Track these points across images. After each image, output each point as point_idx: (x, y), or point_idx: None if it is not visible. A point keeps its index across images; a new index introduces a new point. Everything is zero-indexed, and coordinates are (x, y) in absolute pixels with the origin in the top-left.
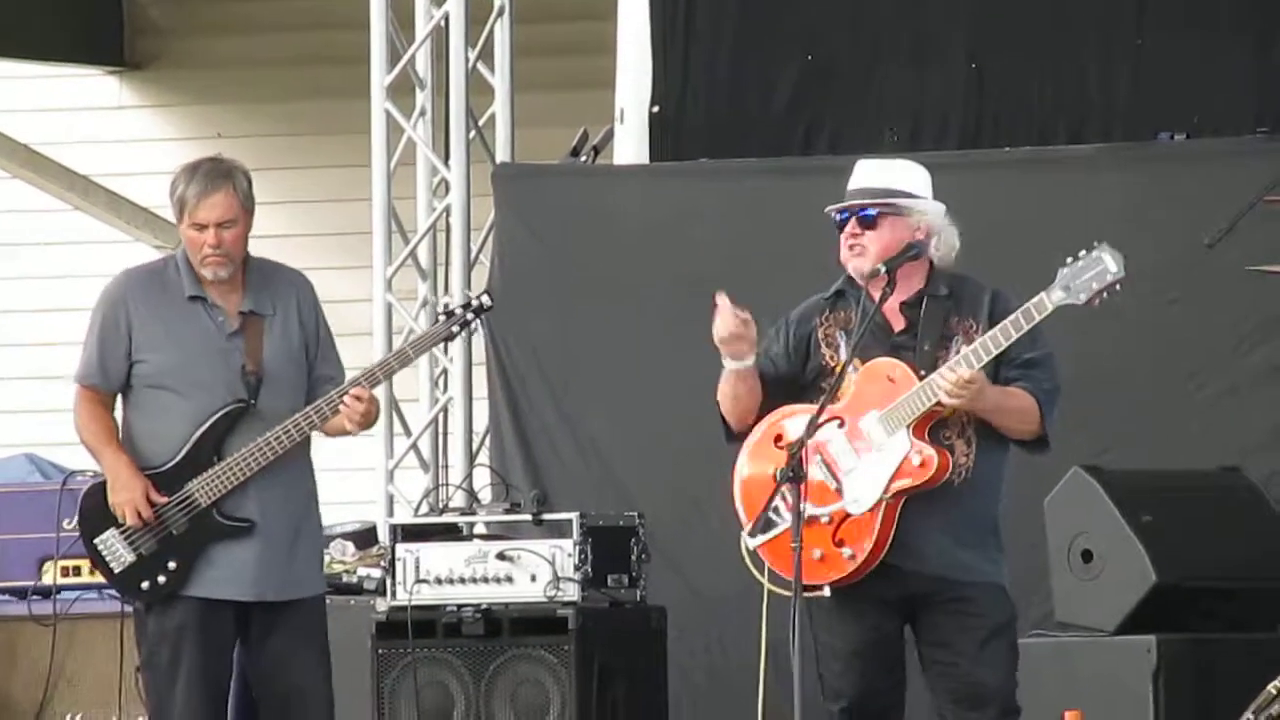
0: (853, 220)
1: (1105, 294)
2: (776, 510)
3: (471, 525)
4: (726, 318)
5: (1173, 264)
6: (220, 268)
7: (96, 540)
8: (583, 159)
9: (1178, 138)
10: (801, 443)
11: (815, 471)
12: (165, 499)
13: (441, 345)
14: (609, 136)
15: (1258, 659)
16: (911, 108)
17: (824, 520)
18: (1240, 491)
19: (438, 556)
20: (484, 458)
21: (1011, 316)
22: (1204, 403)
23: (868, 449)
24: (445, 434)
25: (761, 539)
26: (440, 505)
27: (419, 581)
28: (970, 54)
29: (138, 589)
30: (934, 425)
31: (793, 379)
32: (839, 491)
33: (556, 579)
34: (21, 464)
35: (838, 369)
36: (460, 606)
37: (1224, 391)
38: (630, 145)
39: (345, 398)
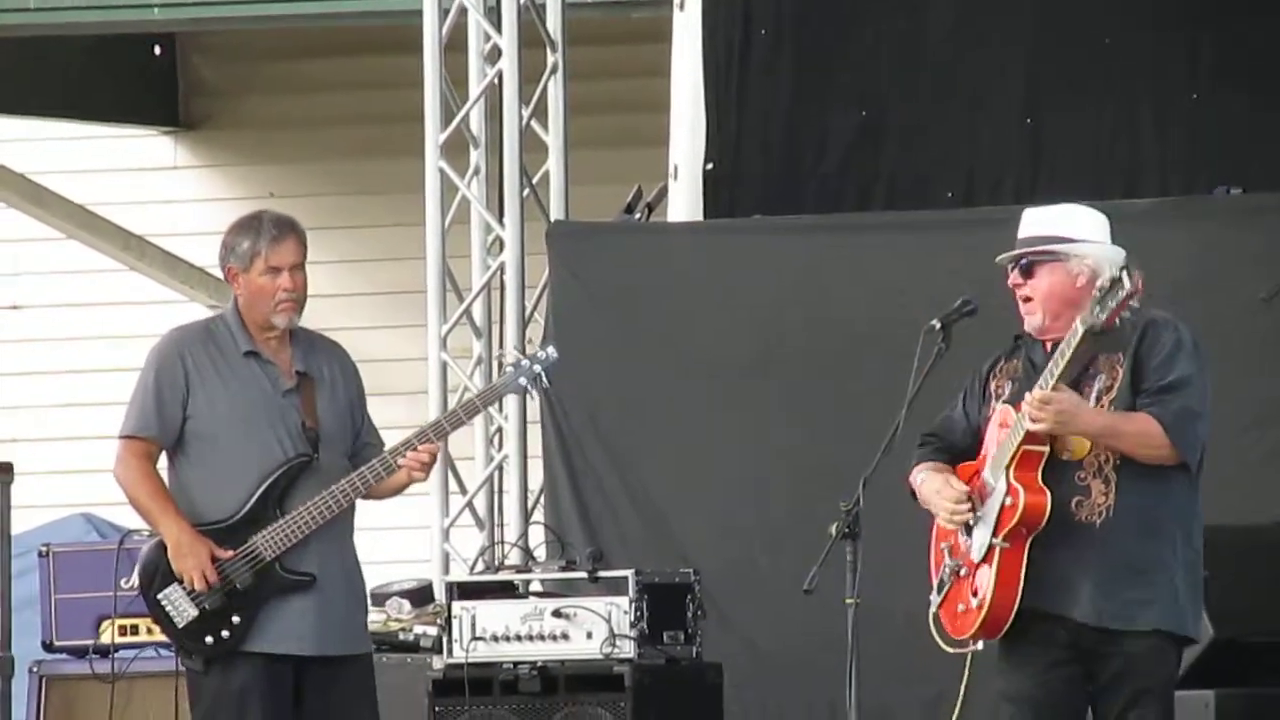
0: (1015, 270)
1: (1123, 310)
2: (944, 572)
3: (527, 583)
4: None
5: (1229, 319)
6: (293, 312)
7: (159, 596)
8: (637, 216)
9: (1234, 192)
10: (857, 500)
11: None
12: (229, 554)
13: (497, 403)
14: (663, 194)
15: None
16: (966, 162)
17: (963, 573)
18: None
19: (494, 614)
20: (539, 515)
21: (1059, 346)
22: (1262, 456)
23: (987, 497)
24: (500, 492)
25: (935, 601)
26: (496, 563)
27: (475, 639)
28: (1025, 109)
29: (201, 644)
30: (1070, 467)
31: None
32: (968, 542)
33: (613, 636)
34: (78, 524)
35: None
36: (516, 664)
37: (1279, 446)
38: (684, 202)
39: (409, 451)
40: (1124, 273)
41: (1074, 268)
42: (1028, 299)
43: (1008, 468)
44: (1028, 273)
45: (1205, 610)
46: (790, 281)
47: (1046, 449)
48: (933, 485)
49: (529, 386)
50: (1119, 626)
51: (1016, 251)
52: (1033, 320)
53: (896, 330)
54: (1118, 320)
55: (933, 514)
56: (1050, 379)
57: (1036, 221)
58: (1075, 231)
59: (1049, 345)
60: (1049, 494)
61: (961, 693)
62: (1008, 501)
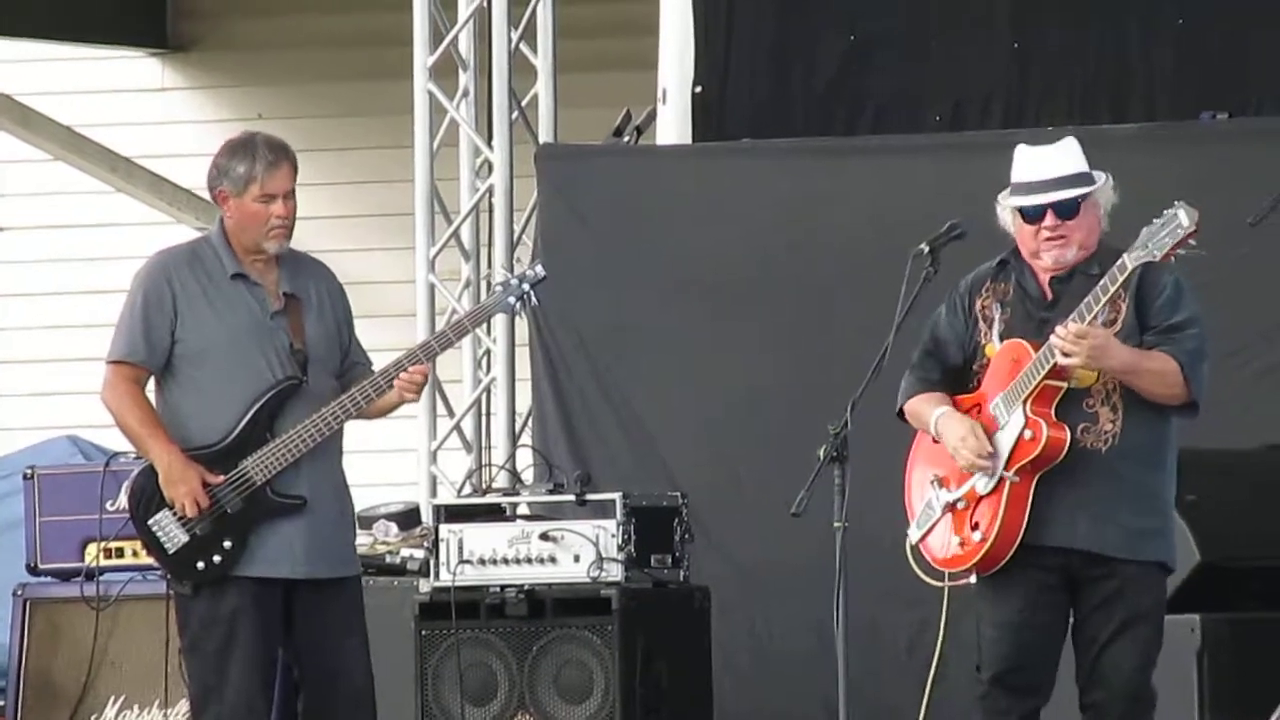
0: (1049, 212)
1: (1180, 248)
2: (930, 505)
3: (515, 506)
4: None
5: (1215, 243)
6: (285, 239)
7: (150, 522)
8: (625, 139)
9: (1220, 117)
10: (845, 424)
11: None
12: (220, 479)
13: (485, 326)
14: (652, 117)
15: None
16: (954, 87)
17: (960, 505)
18: None
19: (481, 537)
20: (527, 438)
21: (1102, 281)
22: (1245, 381)
23: (995, 430)
24: (488, 415)
25: (917, 533)
26: (483, 486)
27: (462, 562)
28: (1013, 33)
29: (193, 569)
30: (1077, 394)
31: (968, 356)
32: (971, 475)
33: (600, 559)
34: (64, 446)
35: (987, 350)
36: (504, 587)
37: (1265, 370)
38: (673, 125)
39: (399, 372)
40: (1182, 210)
41: (1100, 201)
42: (1062, 237)
43: (1025, 401)
44: (1072, 212)
45: (1191, 535)
46: (778, 205)
47: (1065, 385)
48: (957, 431)
49: (517, 305)
50: (1118, 555)
51: (1075, 192)
52: (1065, 255)
53: (884, 254)
54: (1173, 258)
55: (915, 447)
56: (1088, 313)
57: (1061, 159)
58: (1087, 166)
59: (1040, 272)
60: (1068, 430)
61: (943, 623)
62: (1027, 435)
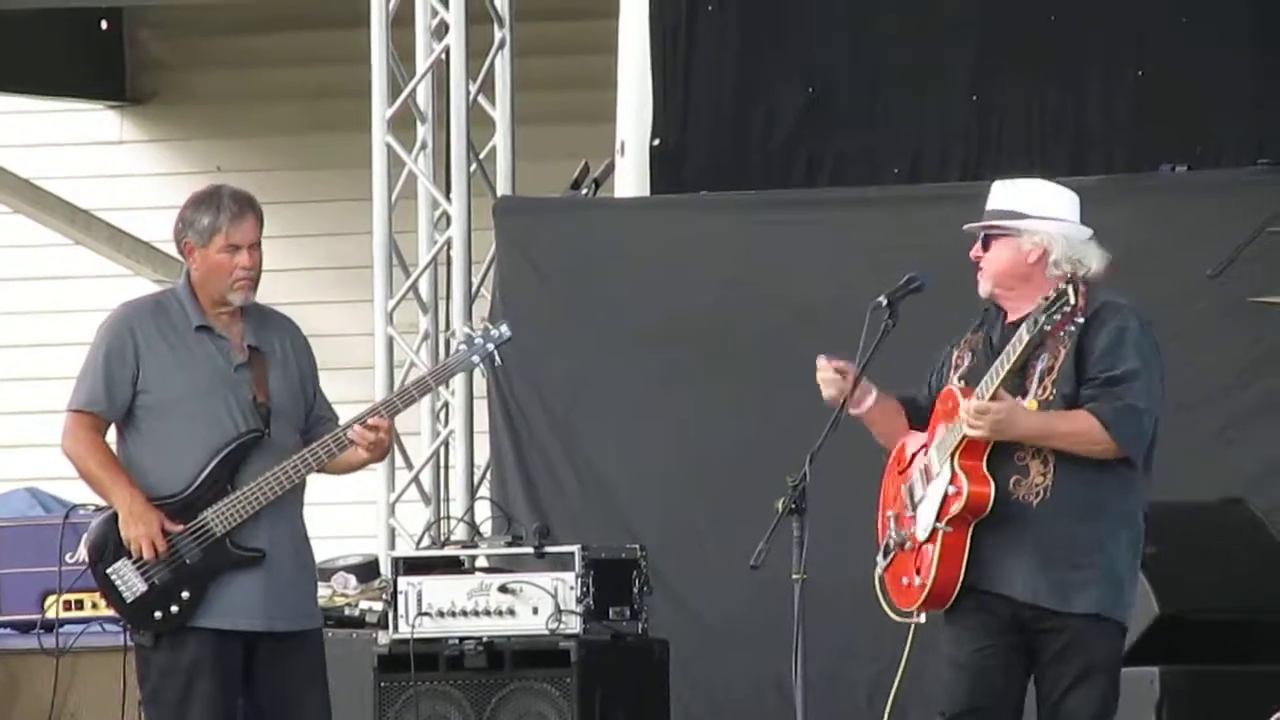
0: (978, 242)
1: (1067, 325)
2: (889, 539)
3: (473, 558)
4: (823, 374)
5: (1175, 296)
6: (250, 290)
7: (109, 571)
8: (584, 192)
9: (1179, 169)
10: (804, 476)
11: (903, 500)
12: (180, 528)
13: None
14: (610, 169)
15: (1260, 691)
16: (913, 139)
17: (907, 547)
18: (1243, 523)
19: (440, 589)
20: (485, 491)
21: (1005, 349)
22: (1206, 434)
23: (932, 478)
24: (447, 467)
25: (881, 565)
26: (442, 538)
27: (421, 614)
28: (971, 85)
29: (150, 619)
30: (1009, 446)
31: None
32: (913, 519)
33: (559, 611)
34: (23, 498)
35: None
36: (462, 639)
37: (1226, 423)
38: (631, 178)
39: (359, 425)
40: (1070, 287)
41: (1025, 244)
42: (980, 269)
43: (953, 454)
44: (985, 245)
45: (1150, 587)
46: (736, 257)
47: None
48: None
49: (481, 363)
50: (1054, 606)
51: (977, 224)
52: (981, 286)
53: (843, 306)
54: (1062, 332)
55: (880, 483)
56: (992, 383)
57: (999, 195)
58: (1032, 208)
59: (1010, 319)
60: (993, 483)
61: (903, 664)
62: (951, 490)
